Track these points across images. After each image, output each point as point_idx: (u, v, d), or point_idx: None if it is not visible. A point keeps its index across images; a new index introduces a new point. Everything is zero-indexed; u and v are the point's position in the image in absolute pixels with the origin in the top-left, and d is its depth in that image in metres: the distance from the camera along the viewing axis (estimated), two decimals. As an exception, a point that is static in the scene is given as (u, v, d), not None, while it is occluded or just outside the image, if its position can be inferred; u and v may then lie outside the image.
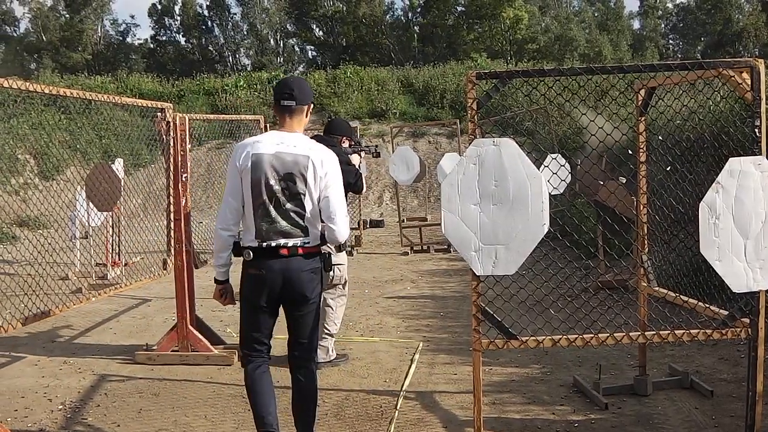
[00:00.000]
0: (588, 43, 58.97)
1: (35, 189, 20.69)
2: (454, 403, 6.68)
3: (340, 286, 8.03)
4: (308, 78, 33.91)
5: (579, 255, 7.64)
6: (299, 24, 66.49)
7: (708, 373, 7.14)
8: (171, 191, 8.19)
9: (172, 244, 8.40)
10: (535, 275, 5.60)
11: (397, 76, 33.44)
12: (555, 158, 8.92)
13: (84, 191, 12.26)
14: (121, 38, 72.08)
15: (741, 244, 4.84)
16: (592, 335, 5.14)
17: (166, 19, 69.08)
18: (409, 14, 64.79)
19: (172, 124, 8.07)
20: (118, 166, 13.47)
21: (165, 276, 8.91)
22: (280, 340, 5.94)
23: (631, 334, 5.20)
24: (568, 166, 11.76)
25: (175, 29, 69.66)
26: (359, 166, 8.10)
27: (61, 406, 6.95)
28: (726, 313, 5.33)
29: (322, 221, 5.09)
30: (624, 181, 9.73)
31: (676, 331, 5.15)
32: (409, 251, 16.99)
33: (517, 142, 4.92)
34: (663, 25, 74.01)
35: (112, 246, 14.31)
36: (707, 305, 5.74)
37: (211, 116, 14.20)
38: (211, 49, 67.98)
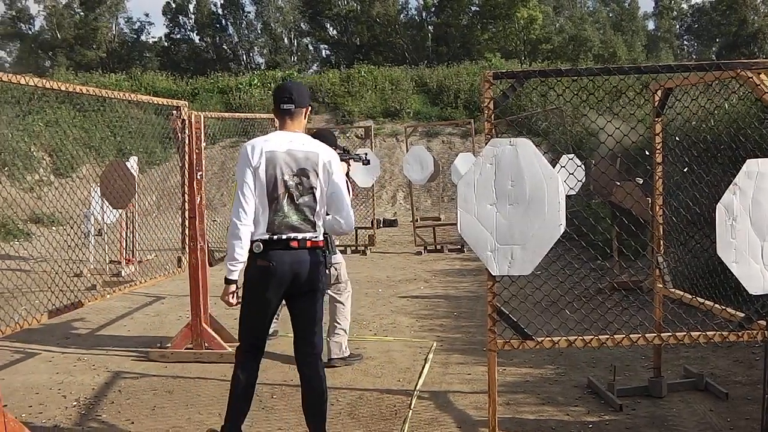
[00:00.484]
0: (602, 43, 58.79)
1: (50, 186, 20.75)
2: (468, 403, 6.67)
3: (342, 284, 8.14)
4: (322, 77, 33.98)
5: (594, 255, 7.63)
6: (313, 23, 66.49)
7: (723, 376, 7.11)
8: (186, 189, 8.20)
9: (187, 242, 8.41)
10: (551, 276, 5.58)
11: (411, 76, 33.40)
12: (571, 159, 8.92)
13: (99, 189, 12.32)
14: (135, 36, 72.28)
15: (758, 245, 4.82)
16: (608, 336, 5.13)
17: (180, 17, 69.21)
18: (423, 14, 64.76)
19: (187, 122, 8.09)
20: (133, 163, 13.51)
21: (179, 273, 8.92)
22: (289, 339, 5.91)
23: (647, 335, 5.19)
24: (582, 166, 11.75)
25: (189, 27, 69.84)
26: (346, 174, 8.11)
27: (75, 403, 6.98)
28: (742, 315, 5.31)
29: (329, 214, 5.33)
30: (641, 182, 9.70)
31: (692, 333, 5.13)
32: (423, 251, 16.98)
33: (533, 142, 4.92)
34: (678, 26, 73.81)
35: (126, 243, 14.34)
36: (723, 307, 5.72)
37: (226, 114, 14.22)
38: (225, 47, 68.05)
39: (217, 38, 68.09)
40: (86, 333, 9.79)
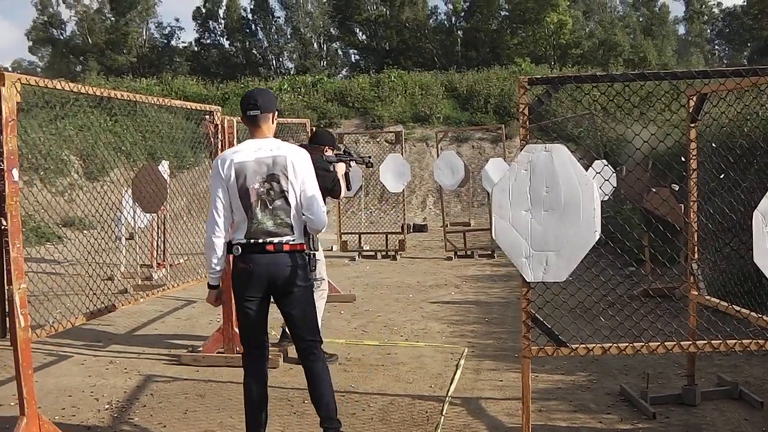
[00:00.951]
0: (632, 48, 58.44)
1: (81, 189, 20.87)
2: (500, 410, 6.65)
3: (318, 282, 8.33)
4: (352, 82, 34.01)
5: (629, 262, 7.58)
6: (342, 28, 66.54)
7: (757, 384, 7.05)
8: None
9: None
10: (586, 282, 5.55)
11: (441, 81, 33.37)
12: (606, 165, 8.89)
13: (130, 192, 12.37)
14: (165, 41, 72.62)
15: (795, 253, 4.77)
16: (643, 344, 5.09)
17: (210, 22, 69.47)
18: (453, 18, 64.65)
19: (220, 126, 8.11)
20: (164, 167, 13.56)
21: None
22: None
23: (682, 342, 5.14)
24: (615, 172, 11.70)
25: (219, 32, 70.06)
26: (346, 174, 8.50)
27: (107, 406, 7.02)
28: (779, 323, 5.26)
29: (303, 213, 5.50)
30: (677, 188, 9.65)
31: (728, 341, 5.08)
32: (453, 256, 16.96)
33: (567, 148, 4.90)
34: (709, 31, 73.28)
35: (157, 247, 14.40)
36: (760, 315, 5.67)
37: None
38: (255, 52, 68.25)
39: (247, 43, 68.30)
40: (118, 336, 9.84)
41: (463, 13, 63.09)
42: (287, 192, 5.39)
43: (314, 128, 9.35)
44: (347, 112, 31.43)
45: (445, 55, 59.13)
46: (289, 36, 68.24)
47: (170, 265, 13.99)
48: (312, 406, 5.93)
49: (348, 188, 8.70)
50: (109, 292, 8.05)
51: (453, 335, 9.56)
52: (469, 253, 17.21)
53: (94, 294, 7.22)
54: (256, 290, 5.42)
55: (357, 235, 18.20)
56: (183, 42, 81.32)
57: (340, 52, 71.09)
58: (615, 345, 5.08)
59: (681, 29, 72.80)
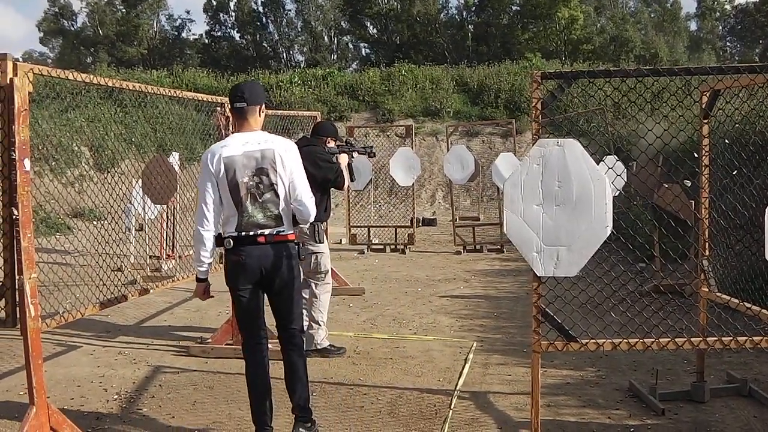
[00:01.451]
0: (644, 44, 58.33)
1: (91, 181, 20.90)
2: (508, 404, 6.64)
3: (322, 275, 8.36)
4: (362, 75, 33.97)
5: (639, 257, 7.56)
6: (353, 21, 66.51)
7: (767, 381, 7.02)
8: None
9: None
10: (597, 278, 5.54)
11: (452, 75, 33.31)
12: (618, 161, 8.88)
13: (140, 184, 12.38)
14: (176, 33, 72.73)
15: (807, 250, 4.75)
16: (653, 339, 5.08)
17: (221, 14, 69.48)
18: (464, 13, 64.61)
19: (231, 118, 8.11)
20: (174, 159, 13.56)
21: (219, 270, 8.95)
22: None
23: (692, 339, 5.13)
24: (627, 167, 11.69)
25: (229, 25, 70.08)
26: (349, 165, 8.54)
27: (116, 396, 7.04)
28: (790, 320, 5.25)
29: (291, 203, 5.63)
30: (689, 184, 9.62)
31: (739, 338, 5.07)
32: (462, 250, 16.95)
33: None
34: (720, 27, 73.05)
35: (167, 239, 14.41)
36: (771, 312, 5.65)
37: (268, 111, 14.28)
38: (266, 45, 68.23)
39: (258, 36, 68.29)
40: (127, 327, 9.87)
41: (474, 8, 63.02)
42: (276, 185, 5.51)
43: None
44: (357, 106, 31.44)
45: (455, 49, 59.03)
46: (299, 29, 68.21)
47: (179, 257, 14.00)
48: (320, 399, 5.96)
49: (351, 179, 8.79)
50: (119, 282, 8.05)
51: (462, 329, 9.56)
52: (478, 247, 17.20)
53: (104, 284, 7.23)
54: (249, 281, 5.54)
55: (366, 229, 18.19)
56: (194, 34, 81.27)
57: (350, 46, 71.11)
58: (625, 341, 5.07)
59: (693, 26, 72.67)
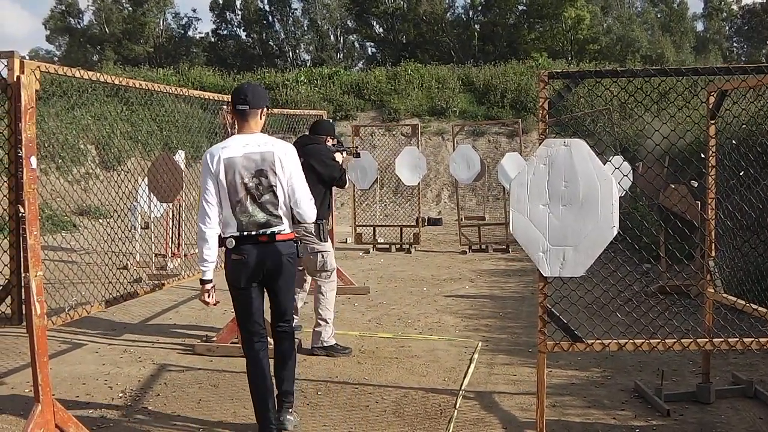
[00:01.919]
0: (650, 44, 58.26)
1: (96, 179, 20.92)
2: (513, 404, 6.64)
3: (327, 273, 8.39)
4: (368, 74, 33.95)
5: (645, 258, 7.56)
6: (359, 20, 66.46)
7: (772, 383, 7.02)
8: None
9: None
10: (603, 278, 5.53)
11: (458, 74, 33.26)
12: (624, 161, 8.87)
13: (146, 182, 12.38)
14: (182, 32, 72.73)
15: (815, 251, 4.74)
16: (659, 340, 5.08)
17: (227, 13, 69.49)
18: (470, 12, 64.53)
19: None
20: (180, 158, 13.57)
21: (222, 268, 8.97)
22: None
23: (698, 340, 5.13)
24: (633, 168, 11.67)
25: (236, 24, 70.08)
26: (342, 164, 8.59)
27: (121, 394, 7.04)
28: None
29: (291, 207, 5.80)
30: (696, 185, 9.60)
31: (745, 339, 5.06)
32: (468, 250, 16.92)
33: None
34: (727, 28, 72.88)
35: (172, 237, 14.42)
36: (777, 313, 5.64)
37: (275, 110, 14.16)
38: (272, 43, 68.23)
39: (264, 34, 68.26)
40: (132, 325, 9.87)
41: (480, 7, 62.95)
42: (275, 186, 5.63)
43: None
44: (363, 105, 31.43)
45: (462, 48, 58.97)
46: (305, 28, 68.21)
47: (185, 255, 14.01)
48: (325, 398, 5.95)
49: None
50: (124, 280, 8.05)
51: (467, 329, 9.56)
52: (483, 247, 17.19)
53: (110, 282, 7.24)
54: (251, 280, 5.67)
55: (372, 228, 18.19)
56: (200, 33, 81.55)
57: (356, 45, 71.05)
58: (631, 341, 5.06)
59: (699, 26, 72.46)
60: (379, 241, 17.93)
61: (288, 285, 5.91)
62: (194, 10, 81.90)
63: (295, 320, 8.37)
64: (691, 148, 6.83)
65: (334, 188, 8.73)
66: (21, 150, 4.94)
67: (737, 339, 5.07)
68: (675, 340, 5.06)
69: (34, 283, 5.02)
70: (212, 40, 70.38)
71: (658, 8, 68.46)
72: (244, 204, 5.55)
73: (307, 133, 8.79)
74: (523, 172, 4.86)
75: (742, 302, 6.04)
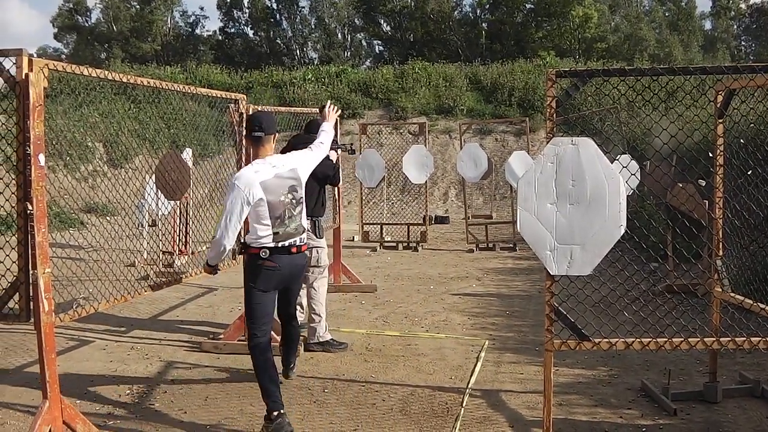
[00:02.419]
0: (658, 43, 58.11)
1: (104, 176, 20.94)
2: (520, 403, 6.64)
3: (320, 269, 8.57)
4: (375, 73, 33.89)
5: (653, 257, 7.55)
6: (367, 18, 66.35)
7: (780, 382, 7.00)
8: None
9: (242, 234, 8.45)
10: (610, 277, 5.53)
11: (465, 73, 33.18)
12: (632, 160, 8.86)
13: (153, 180, 12.40)
14: (190, 30, 72.68)
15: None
16: (666, 339, 5.07)
17: (234, 11, 69.40)
18: (478, 11, 64.36)
19: (245, 115, 8.11)
20: (188, 155, 13.58)
21: (233, 266, 8.97)
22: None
23: (705, 339, 5.12)
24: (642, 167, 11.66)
25: (243, 22, 70.00)
26: (336, 162, 8.77)
27: (128, 391, 7.07)
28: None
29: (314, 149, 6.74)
30: (704, 184, 9.59)
31: (752, 338, 5.06)
32: (475, 248, 16.90)
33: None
34: (735, 27, 72.67)
35: (179, 235, 14.43)
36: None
37: (282, 108, 14.15)
38: (279, 42, 68.18)
39: (271, 33, 68.20)
40: (139, 322, 9.89)
41: (488, 6, 62.79)
42: (302, 198, 6.33)
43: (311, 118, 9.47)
44: (371, 103, 31.38)
45: (469, 47, 58.89)
46: (313, 26, 68.16)
47: (192, 253, 14.02)
48: (332, 396, 5.95)
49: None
50: (132, 278, 8.07)
51: (474, 327, 9.55)
52: (490, 245, 17.16)
53: (117, 280, 7.26)
54: (277, 286, 6.27)
55: (379, 226, 18.19)
56: (207, 31, 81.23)
57: (364, 43, 70.94)
58: (638, 340, 5.06)
59: (707, 25, 72.25)
60: (386, 239, 17.93)
61: (299, 286, 6.93)
62: (202, 8, 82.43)
63: (301, 317, 8.42)
64: (699, 147, 6.81)
65: (336, 187, 8.77)
66: (29, 147, 4.95)
67: (745, 338, 5.06)
68: (682, 339, 5.06)
69: (42, 280, 5.03)
70: (220, 38, 70.34)
71: (666, 7, 68.25)
72: (282, 219, 6.09)
73: (300, 133, 8.87)
74: (531, 171, 4.86)
75: (750, 301, 6.03)
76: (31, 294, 5.15)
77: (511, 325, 9.64)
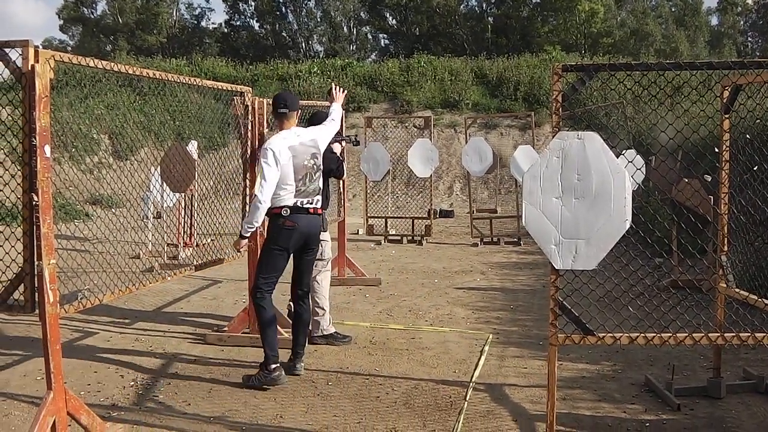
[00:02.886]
0: (664, 38, 58.02)
1: (109, 168, 20.96)
2: (524, 397, 6.64)
3: (324, 262, 8.59)
4: (381, 66, 33.89)
5: (657, 252, 7.55)
6: (373, 12, 66.31)
7: (784, 378, 7.00)
8: (248, 174, 8.21)
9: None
10: (614, 271, 5.52)
11: (471, 67, 33.16)
12: (638, 155, 8.84)
13: (158, 172, 12.41)
14: (195, 22, 72.70)
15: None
16: (670, 334, 5.07)
17: (240, 4, 69.34)
18: (483, 5, 64.30)
19: (250, 107, 8.11)
20: (193, 148, 13.59)
21: (237, 258, 8.97)
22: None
23: (710, 334, 5.11)
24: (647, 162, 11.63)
25: (249, 14, 69.96)
26: (340, 154, 8.91)
27: (132, 383, 7.07)
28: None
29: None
30: (709, 179, 9.57)
31: (757, 334, 5.05)
32: (479, 242, 16.90)
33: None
34: (742, 22, 72.48)
35: (184, 227, 14.45)
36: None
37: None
38: (285, 34, 68.13)
39: (277, 25, 68.17)
40: (144, 314, 9.90)
41: (494, 0, 62.78)
42: (320, 165, 7.22)
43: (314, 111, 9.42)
44: (376, 97, 31.38)
45: (475, 41, 58.79)
46: (319, 19, 68.11)
47: (197, 245, 14.04)
48: (335, 388, 5.96)
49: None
50: (137, 269, 8.07)
51: (478, 321, 9.56)
52: (495, 239, 17.16)
53: (122, 271, 7.27)
54: (294, 245, 7.02)
55: (383, 220, 18.21)
56: (213, 23, 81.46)
57: (369, 37, 70.91)
58: (642, 335, 5.05)
59: (714, 20, 72.07)
60: (390, 232, 17.94)
61: (314, 253, 7.44)
62: (207, 1, 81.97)
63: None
64: (705, 142, 6.80)
65: (340, 180, 8.80)
66: (35, 139, 4.95)
67: (749, 334, 5.05)
68: (686, 335, 5.05)
69: (47, 272, 5.04)
70: (225, 30, 70.31)
71: (672, 2, 68.12)
72: (304, 181, 6.93)
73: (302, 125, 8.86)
74: (536, 165, 4.86)
75: (754, 297, 6.03)
76: (36, 285, 5.15)
77: (515, 319, 9.65)
